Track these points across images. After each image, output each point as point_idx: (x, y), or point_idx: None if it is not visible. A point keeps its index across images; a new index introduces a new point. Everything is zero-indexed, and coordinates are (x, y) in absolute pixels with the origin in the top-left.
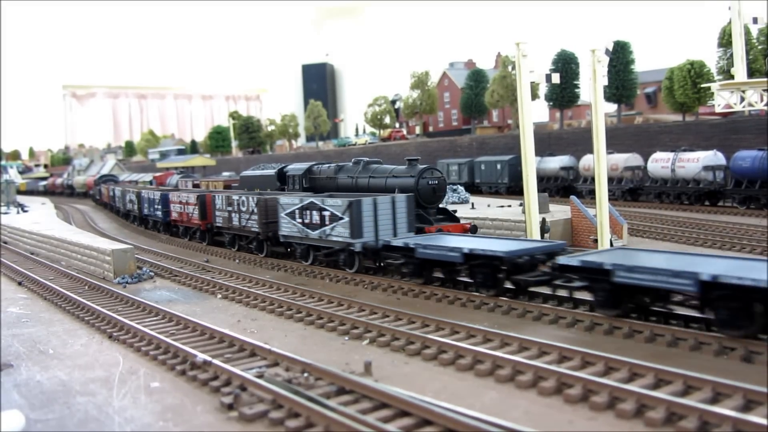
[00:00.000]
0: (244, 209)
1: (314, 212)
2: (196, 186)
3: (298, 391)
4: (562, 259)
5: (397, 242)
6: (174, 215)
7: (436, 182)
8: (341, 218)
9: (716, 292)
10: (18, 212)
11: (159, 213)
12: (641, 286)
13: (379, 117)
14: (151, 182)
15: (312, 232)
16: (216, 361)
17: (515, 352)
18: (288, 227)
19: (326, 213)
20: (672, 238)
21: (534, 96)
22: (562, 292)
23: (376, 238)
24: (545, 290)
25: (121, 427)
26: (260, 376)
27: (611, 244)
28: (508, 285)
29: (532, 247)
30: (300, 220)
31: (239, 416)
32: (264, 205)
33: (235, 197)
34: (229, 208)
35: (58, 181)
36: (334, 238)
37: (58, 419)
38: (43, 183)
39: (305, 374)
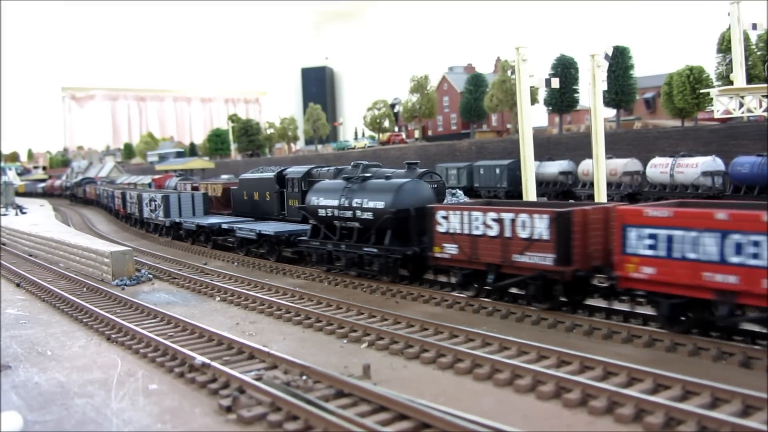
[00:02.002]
0: (150, 204)
1: (154, 203)
2: (195, 189)
3: (296, 394)
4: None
5: (202, 221)
6: (119, 208)
7: (435, 186)
8: (160, 205)
9: (262, 237)
10: (16, 214)
11: (112, 205)
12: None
13: (378, 120)
14: (150, 185)
15: (153, 215)
16: (214, 364)
17: (514, 356)
18: (147, 214)
19: (155, 203)
20: None
21: (533, 100)
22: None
23: (179, 217)
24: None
25: (120, 429)
26: (259, 379)
27: None
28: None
29: (293, 229)
30: (150, 208)
31: (238, 419)
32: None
33: (145, 194)
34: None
35: (57, 182)
36: (157, 220)
37: (56, 421)
38: (42, 185)
39: (304, 377)
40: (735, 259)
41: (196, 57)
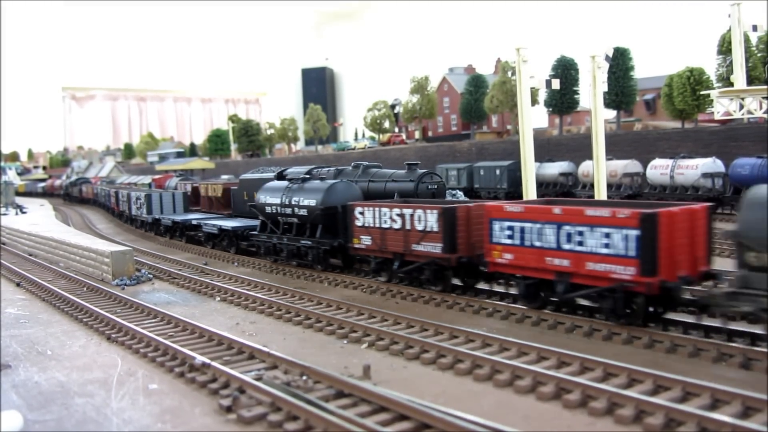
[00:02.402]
0: (137, 202)
1: (139, 201)
2: (195, 189)
3: (296, 394)
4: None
5: (173, 217)
6: (114, 206)
7: (436, 187)
8: (144, 203)
9: (223, 232)
10: (16, 213)
11: (109, 203)
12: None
13: (378, 121)
14: (150, 185)
15: (139, 212)
16: (215, 364)
17: (514, 356)
18: (135, 211)
19: (140, 201)
20: None
21: (533, 102)
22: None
23: (160, 214)
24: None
25: (120, 429)
26: (259, 379)
27: None
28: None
29: (248, 225)
30: (136, 206)
31: (238, 418)
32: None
33: (133, 194)
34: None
35: (57, 182)
36: (142, 216)
37: (56, 420)
38: (42, 185)
39: (304, 377)
40: (567, 246)
41: (196, 57)
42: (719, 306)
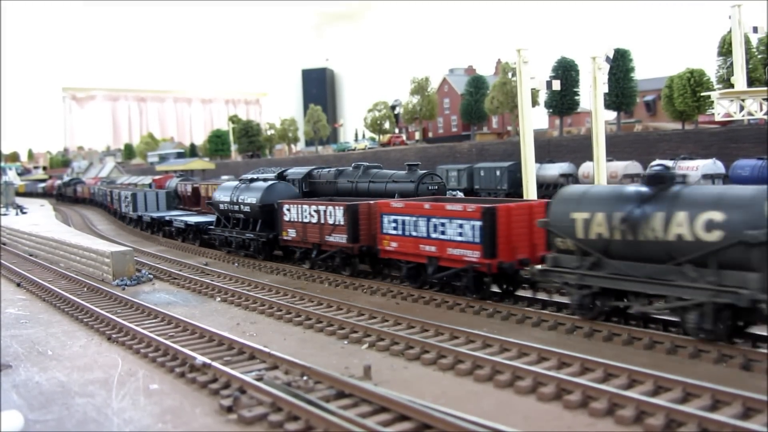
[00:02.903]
0: (125, 200)
1: (126, 200)
2: (195, 189)
3: (297, 395)
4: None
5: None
6: (110, 204)
7: (436, 188)
8: (130, 201)
9: (188, 226)
10: (17, 214)
11: (106, 202)
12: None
13: (378, 122)
14: (150, 185)
15: (126, 210)
16: (215, 364)
17: (514, 357)
18: (124, 209)
19: (128, 200)
20: None
21: (534, 103)
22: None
23: (145, 211)
24: (544, 296)
25: (120, 429)
26: (260, 379)
27: None
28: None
29: (208, 220)
30: (125, 204)
31: (238, 419)
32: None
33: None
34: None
35: (57, 183)
36: (130, 213)
37: (57, 420)
38: (42, 185)
39: (304, 377)
40: (434, 235)
41: (196, 58)
42: (538, 281)
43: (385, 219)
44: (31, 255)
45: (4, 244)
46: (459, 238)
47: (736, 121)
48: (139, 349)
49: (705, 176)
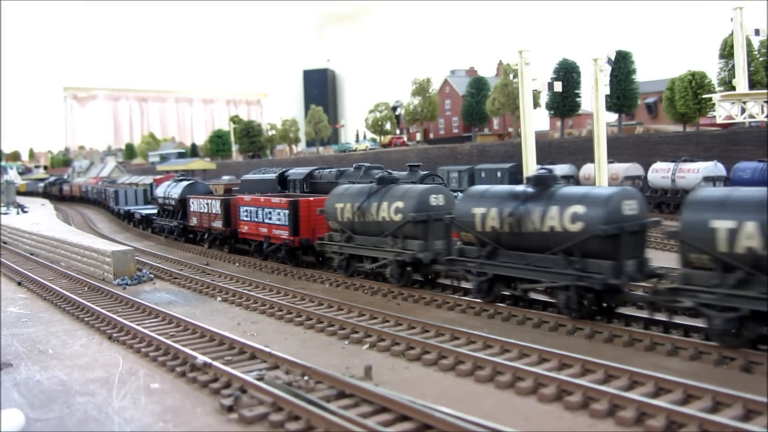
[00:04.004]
0: (110, 196)
1: (113, 194)
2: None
3: (298, 394)
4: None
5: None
6: (103, 201)
7: None
8: (119, 198)
9: (142, 217)
10: (18, 213)
11: (100, 199)
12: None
13: (379, 123)
14: (152, 185)
15: (112, 204)
16: (216, 363)
17: (515, 358)
18: (111, 203)
19: (112, 196)
20: (673, 248)
21: (535, 104)
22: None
23: (125, 206)
24: (541, 296)
25: (121, 428)
26: (260, 379)
27: None
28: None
29: (153, 212)
30: (112, 198)
31: (239, 418)
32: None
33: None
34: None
35: (45, 182)
36: (115, 207)
37: (57, 419)
38: (43, 184)
39: (305, 377)
40: (266, 221)
41: (198, 58)
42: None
43: (241, 209)
44: (32, 254)
45: (5, 243)
46: (278, 222)
47: (737, 123)
48: (140, 348)
49: (706, 179)
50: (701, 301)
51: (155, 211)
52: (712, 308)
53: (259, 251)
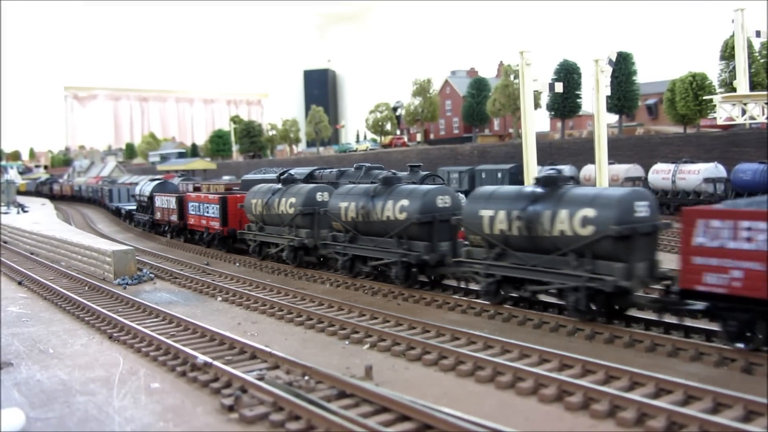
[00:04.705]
0: (105, 193)
1: (107, 192)
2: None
3: (298, 394)
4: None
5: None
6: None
7: None
8: (113, 196)
9: (127, 211)
10: (18, 212)
11: (96, 197)
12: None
13: (380, 123)
14: (200, 187)
15: (106, 201)
16: (217, 363)
17: (516, 359)
18: (106, 201)
19: (107, 194)
20: (672, 249)
21: (536, 105)
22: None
23: (118, 203)
24: (546, 298)
25: (122, 427)
26: (261, 379)
27: None
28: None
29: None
30: (107, 196)
31: (240, 418)
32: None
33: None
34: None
35: (36, 182)
36: (109, 204)
37: (58, 418)
38: (34, 184)
39: (306, 377)
40: (206, 214)
41: (198, 58)
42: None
43: (189, 204)
44: (32, 253)
45: (6, 242)
46: (212, 215)
47: (738, 125)
48: (141, 347)
49: (706, 180)
50: (475, 269)
51: (135, 206)
52: (481, 275)
53: (201, 240)
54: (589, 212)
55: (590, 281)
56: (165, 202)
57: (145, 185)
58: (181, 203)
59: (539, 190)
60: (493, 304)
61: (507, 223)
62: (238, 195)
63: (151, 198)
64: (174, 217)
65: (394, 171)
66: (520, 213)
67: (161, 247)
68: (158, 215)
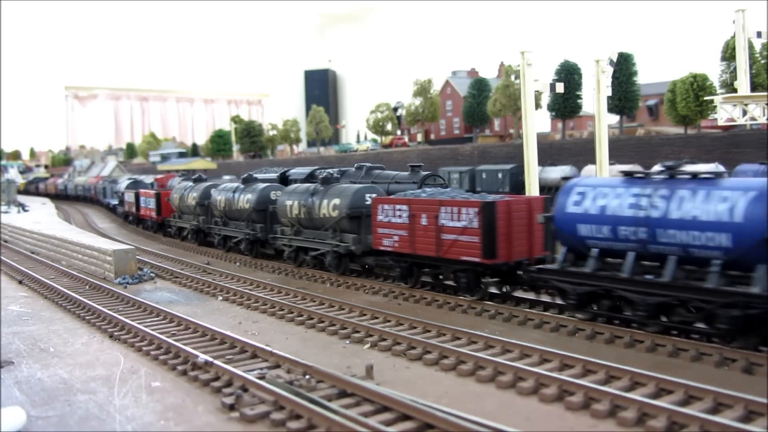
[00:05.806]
0: (99, 191)
1: (99, 191)
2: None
3: (299, 393)
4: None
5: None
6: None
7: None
8: (106, 193)
9: (114, 206)
10: (18, 212)
11: (89, 195)
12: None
13: (381, 124)
14: (152, 184)
15: (101, 198)
16: (218, 362)
17: (516, 358)
18: (100, 198)
19: (99, 191)
20: None
21: (536, 106)
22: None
23: (111, 199)
24: (547, 298)
25: (122, 426)
26: (262, 378)
27: None
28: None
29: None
30: (101, 194)
31: (240, 417)
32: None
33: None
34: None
35: (59, 181)
36: (103, 200)
37: (59, 417)
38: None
39: (307, 376)
40: (149, 206)
41: (199, 58)
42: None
43: (141, 198)
44: (32, 253)
45: (6, 241)
46: (152, 206)
47: (738, 126)
48: (141, 346)
49: None
50: (284, 242)
51: (117, 201)
52: (287, 246)
53: (148, 227)
54: (337, 201)
55: (336, 247)
56: (130, 197)
57: (122, 183)
58: (138, 198)
59: (319, 186)
60: (295, 266)
61: (298, 210)
62: (169, 191)
63: (122, 194)
64: (134, 209)
65: (396, 171)
66: (304, 202)
67: (161, 247)
68: (126, 207)
